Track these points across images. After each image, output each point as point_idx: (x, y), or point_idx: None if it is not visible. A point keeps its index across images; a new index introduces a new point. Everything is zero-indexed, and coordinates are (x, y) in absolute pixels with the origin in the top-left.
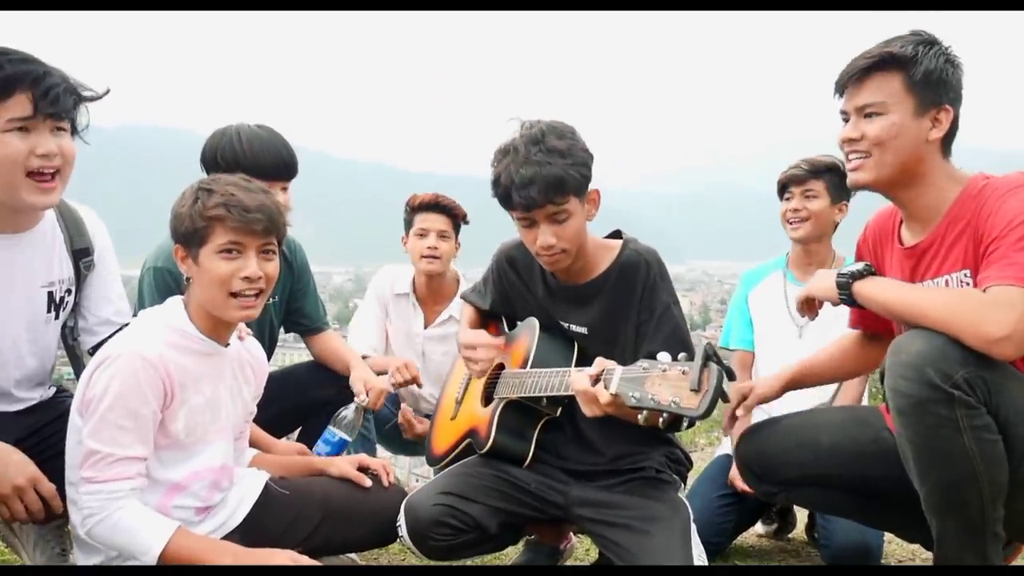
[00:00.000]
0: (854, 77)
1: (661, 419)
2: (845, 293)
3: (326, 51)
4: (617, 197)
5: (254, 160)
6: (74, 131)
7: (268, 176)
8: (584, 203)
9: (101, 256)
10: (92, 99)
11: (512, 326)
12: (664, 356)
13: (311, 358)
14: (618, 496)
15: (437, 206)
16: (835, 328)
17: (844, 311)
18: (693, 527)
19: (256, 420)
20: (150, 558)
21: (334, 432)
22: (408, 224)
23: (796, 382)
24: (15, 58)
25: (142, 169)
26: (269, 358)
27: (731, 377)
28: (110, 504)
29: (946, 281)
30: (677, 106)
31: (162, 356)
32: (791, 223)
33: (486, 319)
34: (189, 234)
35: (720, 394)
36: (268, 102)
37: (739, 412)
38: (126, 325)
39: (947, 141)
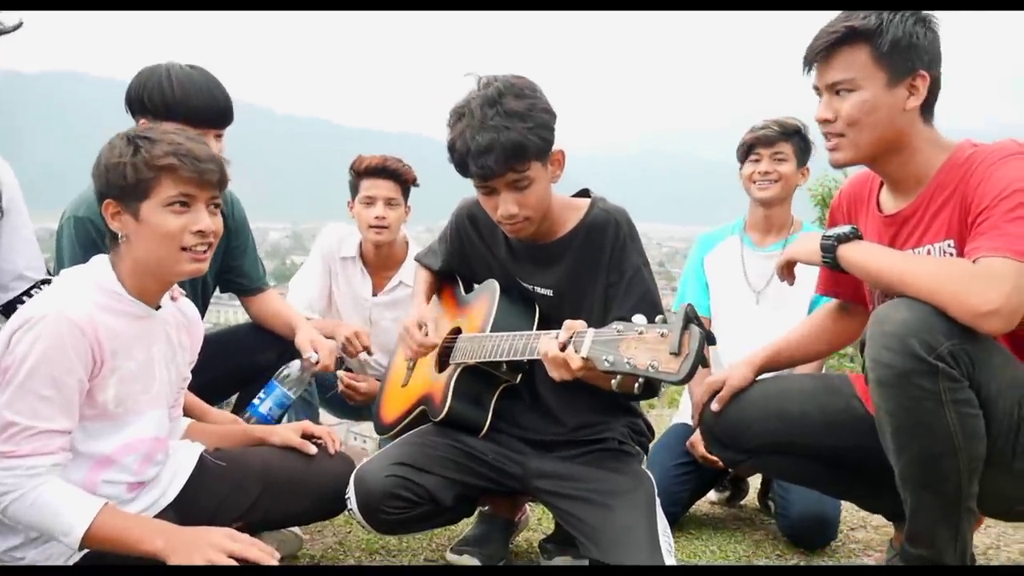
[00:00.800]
0: (820, 54)
1: (636, 384)
2: (829, 256)
3: (262, 2)
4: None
5: (186, 104)
6: None
7: (201, 123)
8: (548, 166)
9: (10, 202)
10: (2, 32)
11: (469, 288)
12: (639, 318)
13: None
14: (578, 468)
15: (384, 171)
16: (792, 294)
17: (805, 277)
18: (658, 500)
19: (190, 386)
20: (72, 540)
21: (275, 387)
22: (354, 189)
23: (769, 366)
24: None
25: (62, 118)
26: (202, 318)
27: (711, 341)
28: (27, 481)
29: (928, 251)
30: (625, 75)
31: (92, 319)
32: (758, 184)
33: (441, 281)
34: (129, 187)
35: (700, 359)
36: (199, 52)
37: (714, 407)
38: (43, 281)
39: (927, 107)
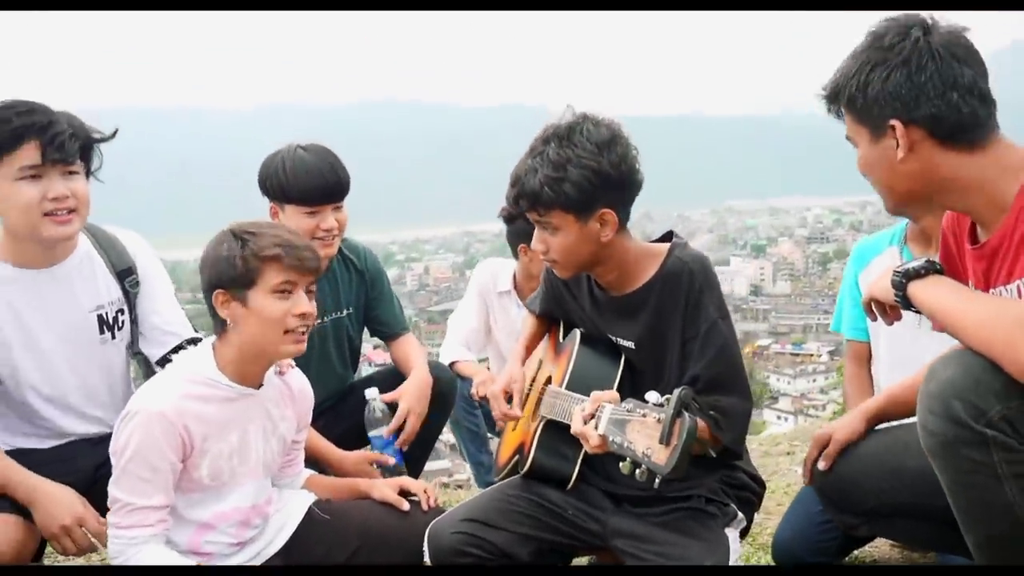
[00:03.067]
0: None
1: (638, 471)
2: (900, 295)
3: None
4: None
5: (298, 187)
6: (89, 173)
7: (315, 201)
8: (586, 221)
9: (145, 273)
10: (100, 141)
11: (568, 332)
12: (652, 396)
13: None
14: (655, 530)
15: None
16: None
17: None
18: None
19: (338, 430)
20: None
21: (371, 439)
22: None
23: (883, 415)
24: (22, 110)
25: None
26: (355, 368)
27: (717, 426)
28: (129, 549)
29: (1018, 288)
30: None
31: (180, 410)
32: None
33: (548, 325)
34: (237, 277)
35: (689, 449)
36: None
37: (821, 464)
38: (190, 340)
39: (955, 137)
